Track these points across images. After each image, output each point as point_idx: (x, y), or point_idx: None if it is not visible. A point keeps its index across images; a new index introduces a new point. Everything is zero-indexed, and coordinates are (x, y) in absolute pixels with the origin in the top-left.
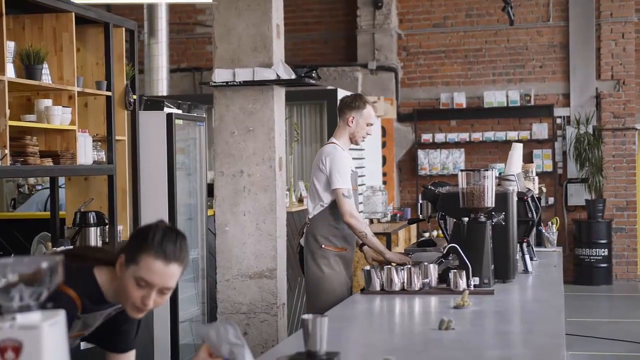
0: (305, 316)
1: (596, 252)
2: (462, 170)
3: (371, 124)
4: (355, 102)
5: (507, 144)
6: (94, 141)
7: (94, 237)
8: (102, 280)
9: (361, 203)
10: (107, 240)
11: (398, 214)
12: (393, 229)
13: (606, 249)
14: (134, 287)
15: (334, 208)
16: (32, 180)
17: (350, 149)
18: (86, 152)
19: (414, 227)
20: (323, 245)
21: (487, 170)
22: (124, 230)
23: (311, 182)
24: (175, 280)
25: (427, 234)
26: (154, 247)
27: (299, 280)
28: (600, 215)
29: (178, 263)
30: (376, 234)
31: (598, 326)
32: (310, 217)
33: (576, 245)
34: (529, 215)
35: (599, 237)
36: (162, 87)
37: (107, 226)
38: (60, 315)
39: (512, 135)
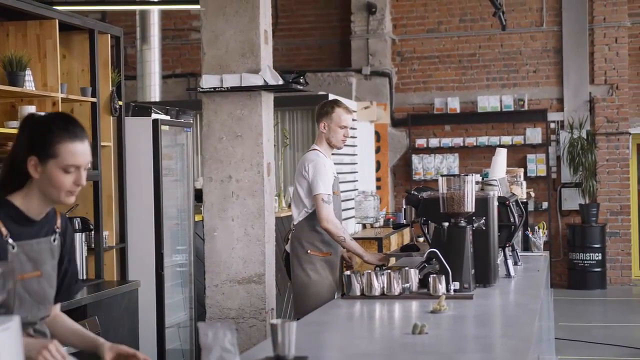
0: (274, 321)
1: (590, 256)
2: (442, 175)
3: (344, 127)
4: (324, 108)
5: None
6: None
7: (79, 243)
8: (18, 202)
9: (352, 208)
10: (92, 246)
11: (391, 219)
12: (385, 234)
13: (600, 254)
14: (63, 176)
15: None
16: None
17: (342, 154)
18: None
19: (407, 231)
20: (309, 251)
21: (467, 175)
22: (109, 236)
23: (294, 188)
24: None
25: (421, 239)
26: (66, 134)
27: (288, 286)
28: (594, 220)
29: (87, 139)
30: (368, 239)
31: (591, 330)
32: (295, 223)
33: (570, 249)
34: (511, 220)
35: (593, 241)
36: (154, 93)
37: (92, 232)
38: (14, 321)
39: (506, 140)
